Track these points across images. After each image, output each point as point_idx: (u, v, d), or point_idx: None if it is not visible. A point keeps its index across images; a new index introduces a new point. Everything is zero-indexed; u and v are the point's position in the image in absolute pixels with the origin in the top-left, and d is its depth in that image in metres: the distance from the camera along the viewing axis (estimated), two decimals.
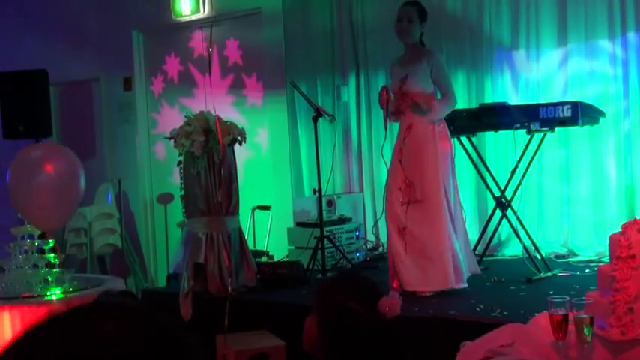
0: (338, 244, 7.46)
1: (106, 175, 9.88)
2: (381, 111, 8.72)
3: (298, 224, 8.04)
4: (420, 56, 6.15)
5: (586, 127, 7.07)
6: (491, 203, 7.28)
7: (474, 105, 7.68)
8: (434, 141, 6.04)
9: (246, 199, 8.01)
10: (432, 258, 5.94)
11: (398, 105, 6.22)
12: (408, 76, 6.17)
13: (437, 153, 6.02)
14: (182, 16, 9.21)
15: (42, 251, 5.08)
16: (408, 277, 6.02)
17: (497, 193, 6.94)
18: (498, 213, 6.94)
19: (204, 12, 9.06)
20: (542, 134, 6.72)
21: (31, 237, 5.10)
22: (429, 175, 6.02)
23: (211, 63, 9.16)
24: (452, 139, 6.31)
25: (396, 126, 6.48)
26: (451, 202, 6.06)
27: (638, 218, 3.48)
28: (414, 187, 6.03)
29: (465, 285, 5.96)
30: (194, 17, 9.14)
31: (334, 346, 2.50)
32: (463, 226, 6.30)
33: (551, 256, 7.31)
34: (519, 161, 6.83)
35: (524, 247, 6.58)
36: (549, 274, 6.44)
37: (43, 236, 5.22)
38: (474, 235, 7.48)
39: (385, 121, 6.29)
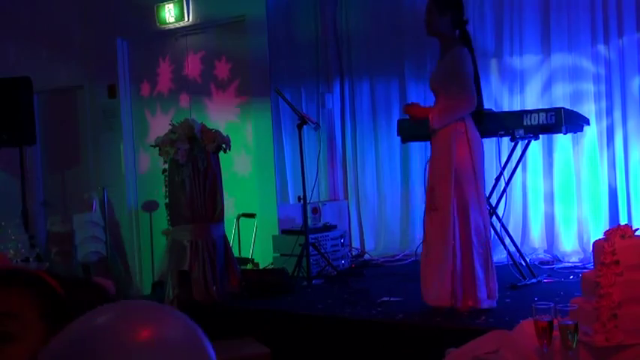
0: (323, 251, 7.46)
1: (91, 183, 9.85)
2: (365, 119, 8.75)
3: (283, 231, 8.03)
4: (447, 49, 5.67)
5: (570, 134, 7.09)
6: None
7: None
8: (449, 147, 5.52)
9: (231, 207, 8.02)
10: (434, 271, 5.55)
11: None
12: (432, 74, 5.89)
13: (451, 160, 5.49)
14: (166, 23, 9.19)
15: (26, 259, 5.06)
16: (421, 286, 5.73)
17: None
18: None
19: (188, 19, 9.05)
20: (526, 141, 6.73)
21: (15, 246, 5.08)
22: (440, 184, 5.55)
23: (192, 71, 9.16)
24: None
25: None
26: (471, 216, 5.49)
27: (622, 225, 3.49)
28: (432, 194, 5.62)
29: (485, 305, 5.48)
30: (178, 25, 9.13)
31: None
32: (481, 245, 5.53)
33: (536, 263, 7.33)
34: (504, 168, 6.84)
35: (509, 254, 6.59)
36: (534, 280, 6.45)
37: (27, 244, 5.21)
38: None
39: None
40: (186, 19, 9.05)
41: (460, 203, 5.49)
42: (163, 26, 9.25)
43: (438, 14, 5.63)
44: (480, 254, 5.47)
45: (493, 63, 8.01)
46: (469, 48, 5.66)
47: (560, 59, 7.63)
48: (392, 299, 6.08)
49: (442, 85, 5.68)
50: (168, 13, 9.14)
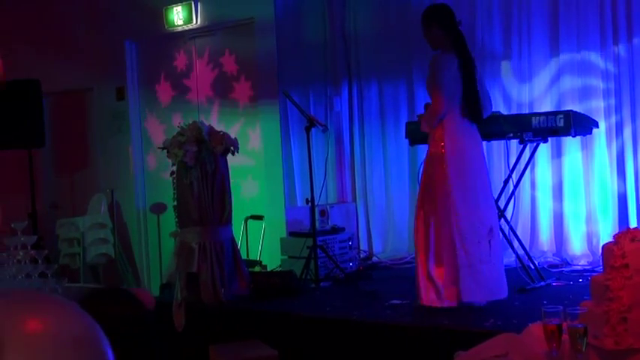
0: (331, 253, 7.45)
1: (99, 185, 9.87)
2: (373, 121, 8.76)
3: (291, 234, 8.03)
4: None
5: (579, 137, 7.07)
6: None
7: None
8: (430, 147, 5.91)
9: (239, 209, 8.01)
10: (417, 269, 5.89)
11: None
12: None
13: (430, 160, 5.87)
14: (175, 26, 9.21)
15: (35, 261, 5.05)
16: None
17: None
18: None
19: (196, 22, 9.06)
20: (535, 144, 6.71)
21: (24, 247, 5.08)
22: (422, 185, 5.94)
23: (201, 73, 9.17)
24: (479, 139, 6.03)
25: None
26: (442, 218, 5.73)
27: (631, 228, 3.48)
28: (421, 194, 5.98)
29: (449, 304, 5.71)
30: (187, 27, 9.14)
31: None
32: (462, 242, 5.70)
33: (545, 266, 7.30)
34: (512, 171, 6.82)
35: (518, 257, 6.57)
36: (543, 283, 6.43)
37: (36, 246, 5.20)
38: None
39: None
40: (194, 21, 9.06)
41: (432, 207, 5.76)
42: (172, 29, 9.27)
43: (427, 29, 5.96)
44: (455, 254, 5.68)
45: (502, 64, 7.99)
46: (460, 52, 5.86)
47: (569, 60, 7.60)
48: (403, 302, 6.07)
49: (428, 89, 5.99)
50: (177, 16, 9.15)
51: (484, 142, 7.56)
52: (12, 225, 5.17)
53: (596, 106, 7.40)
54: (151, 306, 2.58)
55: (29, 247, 5.11)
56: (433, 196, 5.77)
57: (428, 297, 5.75)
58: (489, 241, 5.74)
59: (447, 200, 5.72)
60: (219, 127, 7.05)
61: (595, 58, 7.47)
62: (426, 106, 6.08)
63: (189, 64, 9.35)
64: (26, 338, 1.33)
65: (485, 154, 7.16)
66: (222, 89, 9.06)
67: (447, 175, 5.73)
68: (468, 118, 5.85)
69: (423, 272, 5.77)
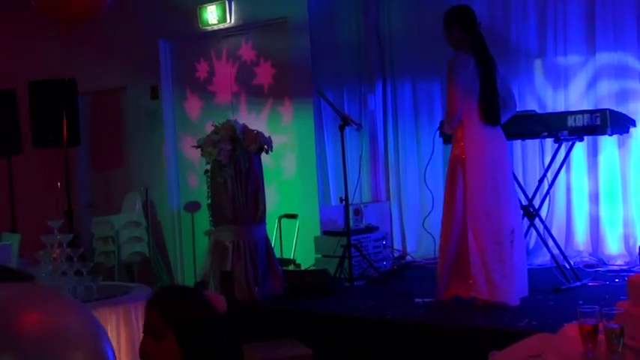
0: (365, 252, 7.45)
1: (134, 184, 9.92)
2: (407, 120, 8.78)
3: (325, 233, 8.03)
4: None
5: (616, 136, 7.01)
6: None
7: None
8: (451, 149, 6.05)
9: (273, 208, 8.03)
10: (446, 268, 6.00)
11: None
12: None
13: (450, 161, 6.02)
14: (209, 25, 9.24)
15: (71, 259, 5.09)
16: None
17: (524, 202, 6.89)
18: (526, 222, 6.89)
19: (230, 21, 9.09)
20: (570, 143, 6.67)
21: (60, 245, 5.11)
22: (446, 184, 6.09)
23: (237, 72, 9.20)
24: (502, 140, 6.04)
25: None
26: (475, 212, 5.85)
27: None
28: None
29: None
30: (221, 26, 9.17)
31: (199, 357, 2.52)
32: (477, 239, 5.83)
33: (581, 266, 7.23)
34: (547, 170, 6.78)
35: (553, 257, 6.53)
36: (578, 283, 6.38)
37: (72, 245, 5.24)
38: None
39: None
40: (228, 20, 9.08)
41: (451, 206, 5.92)
42: (206, 28, 9.30)
43: (448, 30, 6.06)
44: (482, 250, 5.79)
45: (537, 62, 7.94)
46: (478, 53, 5.94)
47: (605, 58, 7.53)
48: (426, 300, 6.06)
49: (445, 90, 6.19)
50: (211, 15, 9.18)
51: (518, 142, 7.55)
52: (48, 223, 5.21)
53: (633, 104, 7.32)
54: (222, 310, 2.62)
55: (65, 245, 5.15)
56: (452, 196, 5.91)
57: (441, 293, 5.96)
58: (512, 242, 5.80)
59: (464, 201, 5.85)
60: (252, 125, 7.04)
61: (632, 54, 7.39)
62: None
63: (222, 63, 9.37)
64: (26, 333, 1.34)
65: (512, 154, 7.16)
66: (256, 88, 9.07)
67: (465, 177, 5.85)
68: (482, 119, 5.88)
69: (439, 269, 6.00)
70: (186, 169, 9.72)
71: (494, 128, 5.93)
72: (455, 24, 6.01)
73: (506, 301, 5.70)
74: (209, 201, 6.83)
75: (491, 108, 5.89)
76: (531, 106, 7.71)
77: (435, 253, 8.36)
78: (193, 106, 9.69)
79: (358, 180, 7.81)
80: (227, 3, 9.04)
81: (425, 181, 7.63)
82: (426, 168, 7.54)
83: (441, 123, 6.23)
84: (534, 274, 7.13)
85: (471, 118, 5.86)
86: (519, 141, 7.56)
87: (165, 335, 2.47)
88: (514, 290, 5.78)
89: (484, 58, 5.92)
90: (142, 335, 2.51)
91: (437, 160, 8.62)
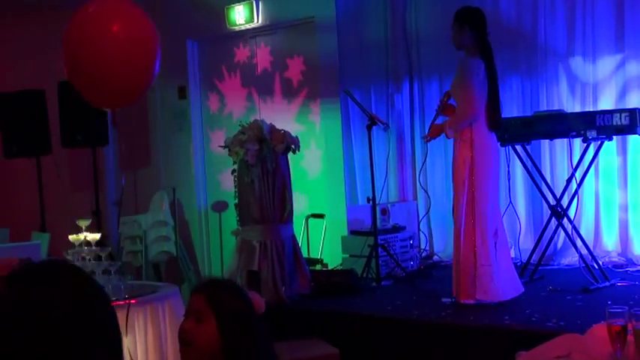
0: (392, 252, 7.44)
1: (161, 183, 9.96)
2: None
3: (352, 232, 8.03)
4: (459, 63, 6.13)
5: None
6: (547, 212, 7.19)
7: (528, 113, 7.58)
8: (455, 152, 6.03)
9: (300, 207, 8.03)
10: (458, 270, 5.96)
11: None
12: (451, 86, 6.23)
13: (458, 163, 5.97)
14: (236, 25, 9.26)
15: (99, 258, 5.13)
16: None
17: (552, 202, 6.86)
18: (554, 222, 6.86)
19: (258, 21, 9.10)
20: (599, 142, 6.62)
21: (88, 244, 5.15)
22: (453, 185, 6.07)
23: (263, 73, 9.22)
24: (498, 146, 6.17)
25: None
26: (477, 213, 5.89)
27: None
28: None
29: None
30: (248, 26, 9.19)
31: (236, 348, 2.54)
32: (490, 240, 5.89)
33: (609, 266, 7.19)
34: (575, 170, 6.74)
35: (581, 257, 6.50)
36: (607, 283, 6.35)
37: (100, 244, 5.27)
38: (528, 244, 7.42)
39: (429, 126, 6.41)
40: (255, 20, 9.10)
41: (458, 209, 5.91)
42: (233, 27, 9.32)
43: (459, 29, 6.01)
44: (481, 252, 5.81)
45: (564, 63, 7.89)
46: (487, 60, 5.93)
47: (634, 57, 7.47)
48: (452, 300, 6.05)
49: (454, 92, 6.09)
50: (238, 15, 9.20)
51: (547, 141, 7.52)
52: (77, 222, 5.25)
53: None
54: (260, 311, 2.67)
55: (93, 245, 5.19)
56: (459, 197, 5.93)
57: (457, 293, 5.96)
58: (495, 243, 5.86)
59: (468, 204, 5.88)
60: (280, 125, 7.04)
61: None
62: (430, 131, 6.30)
63: (250, 63, 9.39)
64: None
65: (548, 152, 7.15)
66: (283, 87, 9.09)
67: (471, 179, 5.87)
68: (487, 124, 5.91)
69: (453, 270, 6.02)
70: (214, 169, 9.76)
71: (493, 132, 5.99)
72: (467, 24, 5.99)
73: (494, 300, 5.80)
74: (236, 201, 6.85)
75: (496, 113, 5.97)
76: (558, 105, 7.68)
77: None
78: (220, 106, 9.72)
79: (385, 180, 7.80)
80: (254, 3, 9.06)
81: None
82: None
83: (443, 124, 6.12)
84: (563, 274, 7.12)
85: (479, 121, 5.89)
86: (547, 141, 7.52)
87: (208, 319, 2.52)
88: (504, 290, 5.85)
89: (492, 65, 5.96)
90: (170, 333, 2.54)
91: None
